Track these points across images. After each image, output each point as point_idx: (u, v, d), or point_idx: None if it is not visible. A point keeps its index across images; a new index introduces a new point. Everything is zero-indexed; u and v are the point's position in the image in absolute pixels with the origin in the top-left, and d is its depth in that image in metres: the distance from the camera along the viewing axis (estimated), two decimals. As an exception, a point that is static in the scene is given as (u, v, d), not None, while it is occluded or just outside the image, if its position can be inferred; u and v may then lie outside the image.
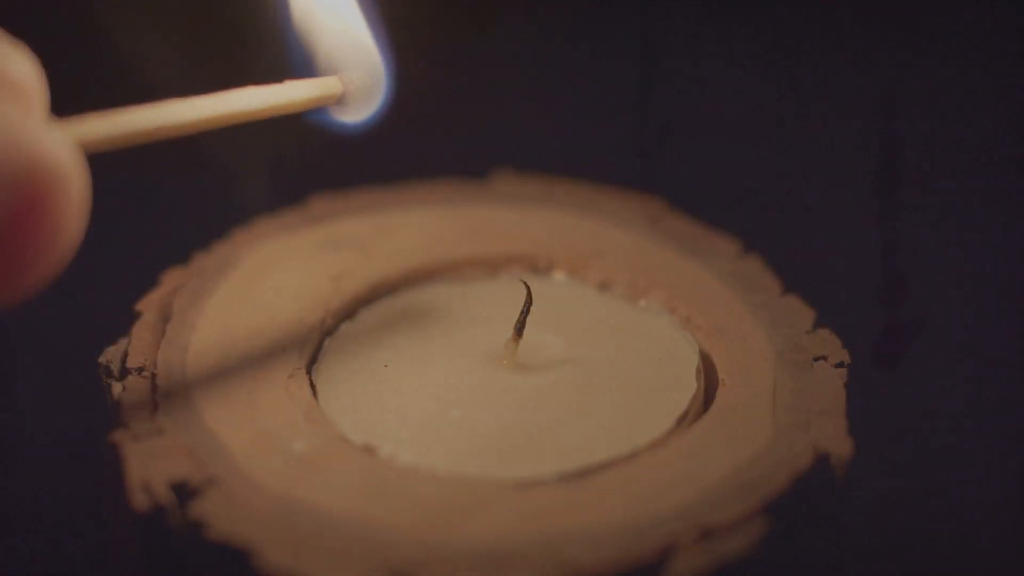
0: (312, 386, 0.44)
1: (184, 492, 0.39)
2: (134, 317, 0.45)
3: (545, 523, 0.38)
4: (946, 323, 0.54)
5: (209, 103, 0.40)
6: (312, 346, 0.45)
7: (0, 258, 0.33)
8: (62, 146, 0.33)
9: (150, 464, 0.39)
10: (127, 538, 0.40)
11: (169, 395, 0.42)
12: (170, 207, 0.59)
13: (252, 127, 0.64)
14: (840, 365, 0.44)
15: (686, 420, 0.42)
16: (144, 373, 0.43)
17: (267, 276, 0.47)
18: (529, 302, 0.44)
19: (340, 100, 0.43)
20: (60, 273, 0.34)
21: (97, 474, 0.43)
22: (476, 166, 0.54)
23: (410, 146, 0.49)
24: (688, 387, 0.44)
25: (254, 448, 0.40)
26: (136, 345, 0.44)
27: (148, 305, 0.46)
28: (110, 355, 0.44)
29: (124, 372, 0.43)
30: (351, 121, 0.45)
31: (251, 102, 0.41)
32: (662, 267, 0.49)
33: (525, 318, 0.44)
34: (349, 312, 0.47)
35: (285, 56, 0.45)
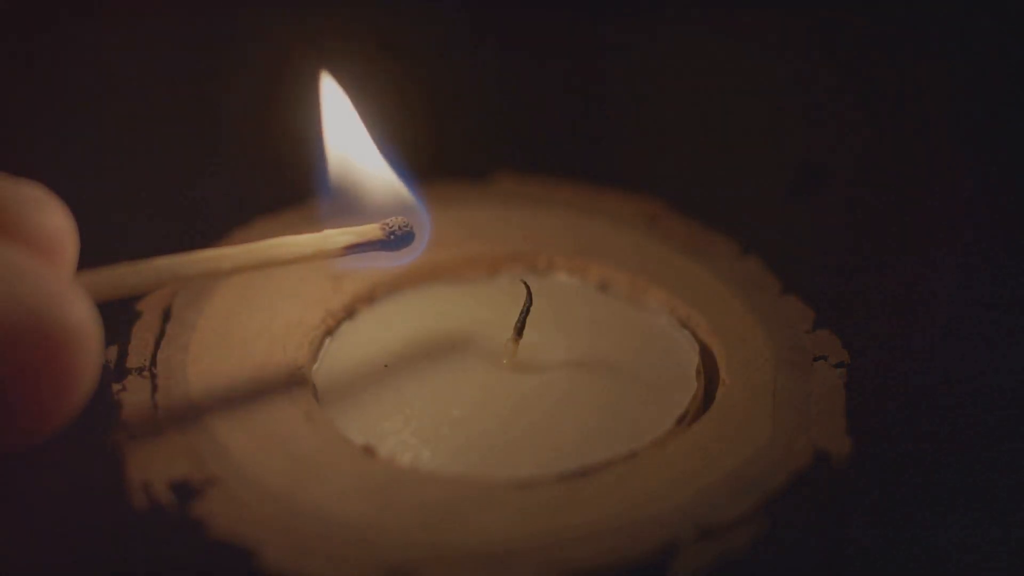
0: (312, 386, 0.44)
1: (184, 492, 0.39)
2: (134, 317, 0.45)
3: (545, 523, 0.38)
4: (945, 320, 0.54)
5: (242, 253, 0.41)
6: (312, 346, 0.45)
7: (18, 406, 0.35)
8: (82, 306, 0.35)
9: (150, 464, 0.39)
10: (127, 538, 0.41)
11: (169, 395, 0.42)
12: (170, 207, 0.59)
13: (251, 127, 0.64)
14: (840, 365, 0.44)
15: (686, 420, 0.42)
16: (144, 373, 0.43)
17: (267, 276, 0.47)
18: (529, 302, 0.44)
19: (379, 245, 0.44)
20: (72, 421, 0.37)
21: (97, 474, 0.43)
22: (476, 166, 0.54)
23: (410, 147, 0.49)
24: (688, 387, 0.44)
25: (254, 448, 0.40)
26: (136, 345, 0.44)
27: (148, 305, 0.46)
28: (110, 355, 0.44)
29: (124, 372, 0.43)
30: (389, 262, 0.45)
31: (285, 252, 0.42)
32: (662, 267, 0.49)
33: (525, 318, 0.44)
34: (349, 312, 0.47)
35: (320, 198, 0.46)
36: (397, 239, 0.44)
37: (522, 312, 0.44)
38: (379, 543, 0.37)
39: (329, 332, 0.46)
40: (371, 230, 0.43)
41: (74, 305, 0.35)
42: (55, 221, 0.37)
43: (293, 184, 0.52)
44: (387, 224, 0.44)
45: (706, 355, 0.45)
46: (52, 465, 0.45)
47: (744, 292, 0.47)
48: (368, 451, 0.41)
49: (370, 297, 0.48)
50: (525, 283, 0.45)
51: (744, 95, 0.68)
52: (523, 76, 0.68)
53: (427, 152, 0.49)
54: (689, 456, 0.40)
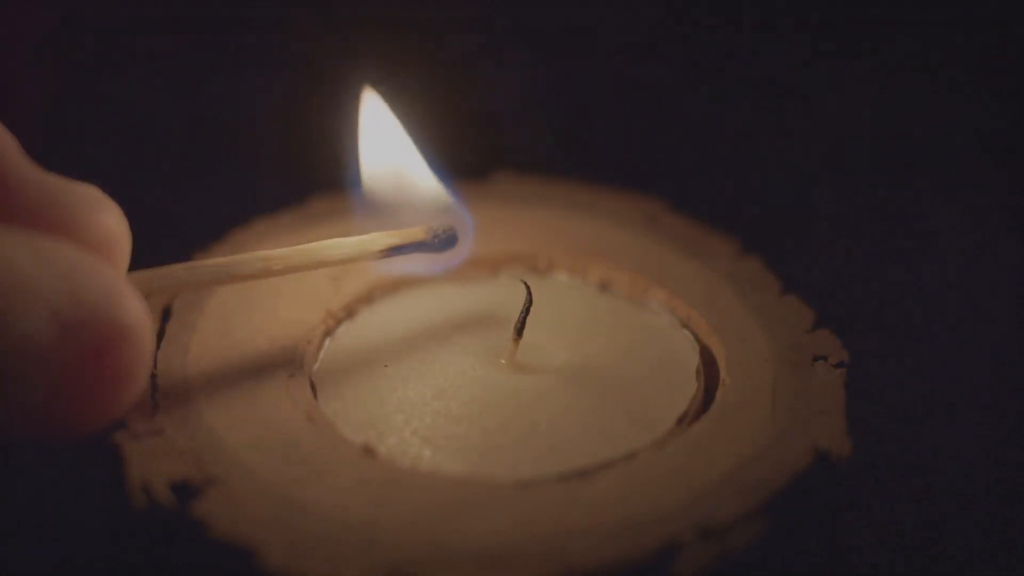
0: (312, 386, 0.44)
1: (184, 492, 0.39)
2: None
3: (545, 523, 0.38)
4: (946, 320, 0.54)
5: (292, 255, 0.42)
6: (312, 346, 0.45)
7: (72, 399, 0.36)
8: (135, 303, 0.37)
9: (150, 464, 0.39)
10: (127, 538, 0.41)
11: (169, 395, 0.42)
12: (170, 207, 0.59)
13: (251, 127, 0.64)
14: (840, 365, 0.44)
15: (686, 420, 0.42)
16: (144, 373, 0.43)
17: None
18: (529, 302, 0.44)
19: (425, 247, 0.45)
20: (124, 413, 0.38)
21: (97, 474, 0.43)
22: (476, 166, 0.54)
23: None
24: (688, 387, 0.44)
25: (254, 448, 0.40)
26: (136, 345, 0.44)
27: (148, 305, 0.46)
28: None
29: (124, 372, 0.43)
30: (433, 267, 0.46)
31: (333, 253, 0.43)
32: (662, 267, 0.49)
33: (525, 318, 0.44)
34: (349, 312, 0.47)
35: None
36: (441, 241, 0.45)
37: (522, 312, 0.44)
38: (379, 543, 0.37)
39: (329, 332, 0.46)
40: (416, 232, 0.44)
41: (128, 302, 0.37)
42: (110, 221, 0.39)
43: (291, 184, 0.52)
44: (431, 226, 0.45)
45: (706, 355, 0.45)
46: (52, 465, 0.45)
47: (744, 292, 0.47)
48: (368, 451, 0.41)
49: (370, 297, 0.48)
50: (525, 283, 0.45)
51: (745, 94, 0.68)
52: (522, 76, 0.69)
53: (426, 153, 0.49)
54: (689, 456, 0.40)
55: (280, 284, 0.47)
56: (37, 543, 0.43)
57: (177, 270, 0.41)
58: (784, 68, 0.68)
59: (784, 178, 0.63)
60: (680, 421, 0.42)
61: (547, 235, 0.50)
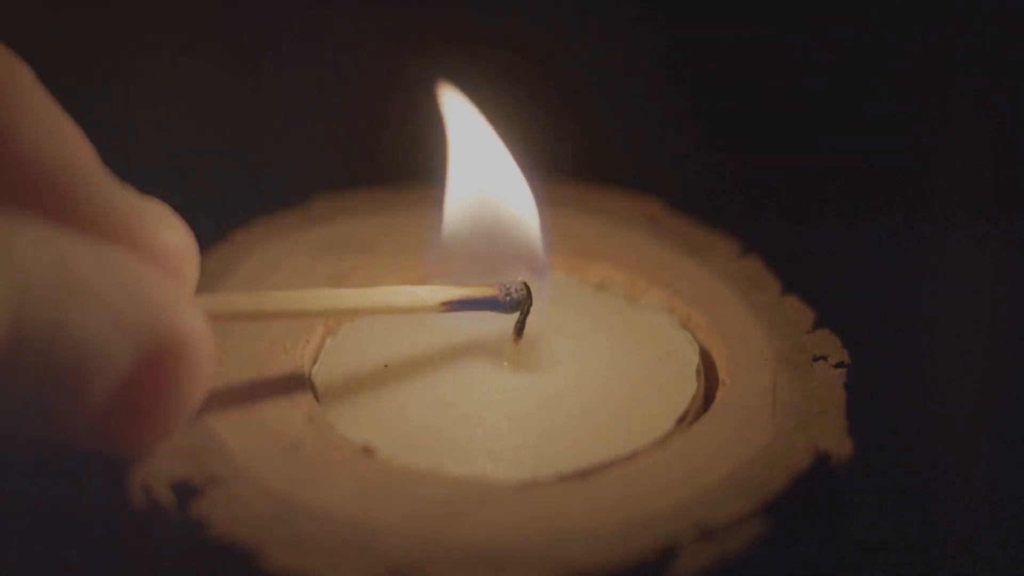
0: (312, 386, 0.44)
1: (184, 492, 0.39)
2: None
3: (545, 523, 0.38)
4: (946, 322, 0.55)
5: (361, 296, 0.43)
6: (312, 346, 0.45)
7: (130, 405, 0.36)
8: (195, 317, 0.36)
9: (150, 464, 0.39)
10: (127, 538, 0.41)
11: (169, 395, 0.42)
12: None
13: (252, 126, 0.64)
14: (840, 365, 0.44)
15: (686, 420, 0.42)
16: (144, 373, 0.43)
17: (268, 277, 0.47)
18: (529, 302, 0.44)
19: (494, 305, 0.44)
20: (175, 432, 0.38)
21: (97, 475, 0.43)
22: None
23: (410, 146, 0.49)
24: (688, 387, 0.44)
25: (254, 448, 0.40)
26: (136, 345, 0.44)
27: (148, 305, 0.46)
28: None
29: (124, 372, 0.43)
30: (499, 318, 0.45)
31: (403, 301, 0.43)
32: (662, 267, 0.49)
33: (525, 318, 0.44)
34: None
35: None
36: (513, 301, 0.44)
37: (522, 312, 0.44)
38: (379, 543, 0.37)
39: (329, 332, 0.46)
40: (488, 289, 0.44)
41: (186, 315, 0.36)
42: (176, 240, 0.38)
43: (291, 184, 0.52)
44: (505, 284, 0.44)
45: (706, 355, 0.45)
46: (52, 465, 0.45)
47: (744, 292, 0.47)
48: (368, 451, 0.41)
49: (370, 297, 0.48)
50: (525, 283, 0.45)
51: (743, 93, 0.68)
52: (522, 76, 0.69)
53: (427, 153, 0.49)
54: (689, 456, 0.40)
55: (281, 284, 0.47)
56: (37, 543, 0.43)
57: (241, 298, 0.41)
58: (784, 68, 0.68)
59: (784, 178, 0.63)
60: (680, 421, 0.42)
61: (547, 235, 0.50)
